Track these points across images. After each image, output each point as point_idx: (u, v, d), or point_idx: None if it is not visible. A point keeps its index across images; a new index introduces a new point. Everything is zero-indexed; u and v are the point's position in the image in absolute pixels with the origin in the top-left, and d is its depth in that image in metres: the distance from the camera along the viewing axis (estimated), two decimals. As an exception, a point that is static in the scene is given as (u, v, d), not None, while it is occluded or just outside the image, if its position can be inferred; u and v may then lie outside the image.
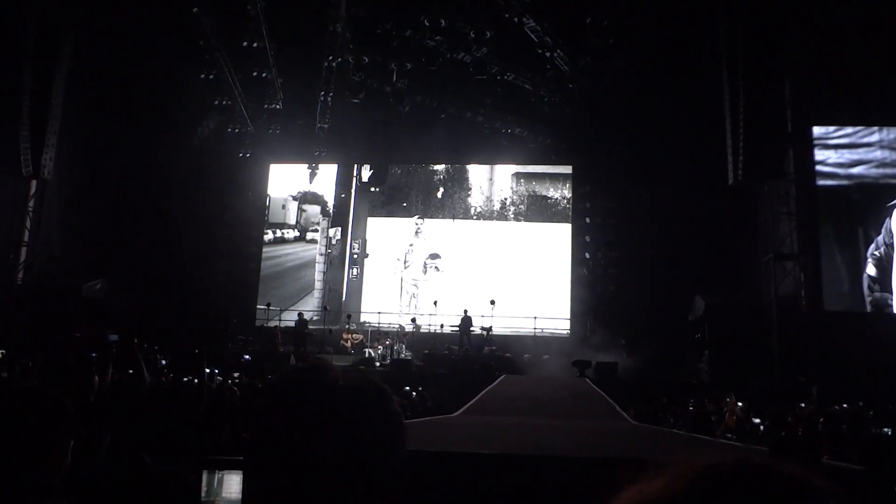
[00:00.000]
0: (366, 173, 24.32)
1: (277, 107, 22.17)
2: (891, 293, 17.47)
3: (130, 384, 5.30)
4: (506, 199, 23.82)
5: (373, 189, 24.28)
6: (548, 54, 20.24)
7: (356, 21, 20.29)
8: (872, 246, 17.77)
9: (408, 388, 12.97)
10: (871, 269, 17.67)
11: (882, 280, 17.57)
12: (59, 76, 18.26)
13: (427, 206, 23.97)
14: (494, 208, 23.79)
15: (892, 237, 17.62)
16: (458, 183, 24.26)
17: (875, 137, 18.49)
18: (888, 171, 18.29)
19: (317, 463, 1.00)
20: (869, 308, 17.66)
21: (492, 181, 24.05)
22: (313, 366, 1.12)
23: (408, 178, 24.57)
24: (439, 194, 24.15)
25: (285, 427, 1.03)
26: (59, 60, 18.24)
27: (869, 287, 17.67)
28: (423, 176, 24.50)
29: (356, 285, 23.47)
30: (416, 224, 23.68)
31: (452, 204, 23.99)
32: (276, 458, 1.02)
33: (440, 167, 24.36)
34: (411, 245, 23.50)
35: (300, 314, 20.26)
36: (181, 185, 21.34)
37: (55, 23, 18.13)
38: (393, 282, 23.19)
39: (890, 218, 17.77)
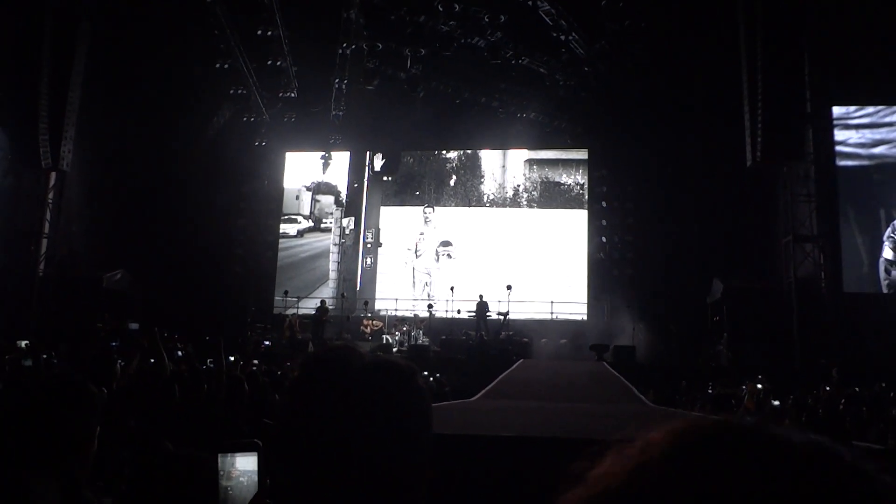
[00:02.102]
0: (378, 162, 24.28)
1: (292, 95, 22.21)
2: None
3: (152, 373, 5.37)
4: (518, 185, 23.75)
5: (385, 178, 24.27)
6: (563, 38, 20.09)
7: (370, 7, 20.25)
8: (889, 229, 17.54)
9: (426, 373, 13.02)
10: (888, 253, 17.45)
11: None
12: (76, 68, 18.37)
13: (440, 195, 23.95)
14: (507, 195, 23.73)
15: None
16: (471, 171, 24.20)
17: (897, 117, 18.25)
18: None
19: (345, 440, 1.01)
20: (885, 290, 17.48)
21: (504, 168, 23.98)
22: (340, 347, 1.14)
23: (420, 167, 24.54)
24: (452, 182, 24.13)
25: (314, 407, 1.05)
26: (76, 52, 18.35)
27: (886, 270, 17.46)
28: (436, 164, 24.46)
29: (370, 274, 23.54)
30: (425, 213, 23.66)
31: (465, 192, 23.96)
32: (305, 438, 1.04)
33: (452, 154, 24.31)
34: (422, 234, 23.50)
35: (322, 301, 20.39)
36: (198, 175, 21.48)
37: (72, 15, 18.22)
38: (405, 271, 23.23)
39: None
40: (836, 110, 18.28)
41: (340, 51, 20.71)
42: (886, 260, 17.43)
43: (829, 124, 18.15)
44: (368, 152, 24.15)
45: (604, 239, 21.94)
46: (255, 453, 1.89)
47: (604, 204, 22.22)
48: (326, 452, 1.02)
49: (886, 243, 17.47)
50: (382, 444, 1.02)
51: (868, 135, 18.17)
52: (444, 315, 21.03)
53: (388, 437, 1.03)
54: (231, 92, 21.86)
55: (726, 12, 17.48)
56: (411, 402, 1.08)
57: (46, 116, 17.87)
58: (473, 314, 19.39)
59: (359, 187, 24.13)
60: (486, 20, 19.87)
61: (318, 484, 1.02)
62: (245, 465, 1.95)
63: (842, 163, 18.10)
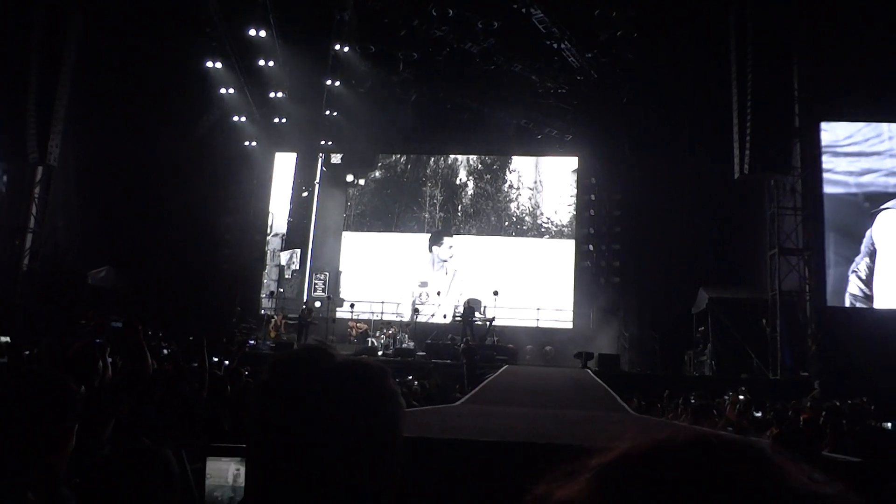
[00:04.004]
0: (336, 158, 23.64)
1: (283, 95, 22.13)
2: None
3: (134, 371, 5.33)
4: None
5: (354, 180, 24.01)
6: (555, 46, 20.16)
7: (363, 10, 20.24)
8: (853, 264, 17.57)
9: (410, 377, 13.00)
10: (854, 288, 17.49)
11: (868, 293, 17.47)
12: (65, 62, 18.23)
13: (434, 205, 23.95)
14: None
15: (873, 244, 17.53)
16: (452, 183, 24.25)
17: (886, 146, 18.26)
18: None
19: (313, 442, 1.01)
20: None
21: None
22: (310, 348, 1.12)
23: (414, 171, 24.53)
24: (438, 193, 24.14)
25: (283, 407, 1.04)
26: (66, 47, 18.21)
27: (851, 304, 17.54)
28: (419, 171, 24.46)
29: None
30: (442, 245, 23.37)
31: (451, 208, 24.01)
32: (275, 438, 1.03)
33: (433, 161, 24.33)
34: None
35: (306, 302, 20.29)
36: (187, 174, 21.33)
37: (62, 9, 18.10)
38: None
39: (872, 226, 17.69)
40: (825, 138, 18.26)
41: (333, 52, 20.69)
42: (852, 295, 17.50)
43: (816, 139, 18.23)
44: (322, 155, 23.29)
45: (590, 247, 21.98)
46: (243, 458, 1.88)
47: (591, 212, 22.28)
48: (295, 454, 1.01)
49: (853, 278, 17.53)
50: (351, 446, 1.01)
51: (856, 163, 18.17)
52: (430, 319, 21.02)
53: (357, 439, 1.02)
54: (221, 91, 21.77)
55: (717, 25, 17.61)
56: (381, 404, 1.06)
57: (34, 111, 17.71)
58: (460, 318, 19.33)
59: (308, 196, 22.94)
60: (480, 26, 19.92)
61: (287, 486, 1.01)
62: (231, 469, 1.94)
63: (831, 190, 18.05)
